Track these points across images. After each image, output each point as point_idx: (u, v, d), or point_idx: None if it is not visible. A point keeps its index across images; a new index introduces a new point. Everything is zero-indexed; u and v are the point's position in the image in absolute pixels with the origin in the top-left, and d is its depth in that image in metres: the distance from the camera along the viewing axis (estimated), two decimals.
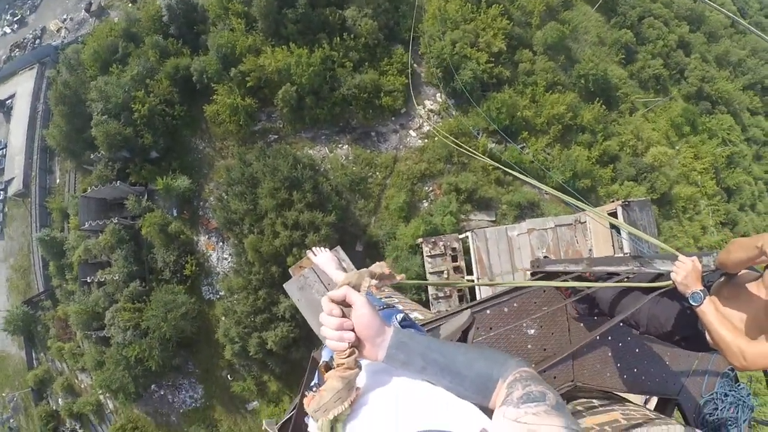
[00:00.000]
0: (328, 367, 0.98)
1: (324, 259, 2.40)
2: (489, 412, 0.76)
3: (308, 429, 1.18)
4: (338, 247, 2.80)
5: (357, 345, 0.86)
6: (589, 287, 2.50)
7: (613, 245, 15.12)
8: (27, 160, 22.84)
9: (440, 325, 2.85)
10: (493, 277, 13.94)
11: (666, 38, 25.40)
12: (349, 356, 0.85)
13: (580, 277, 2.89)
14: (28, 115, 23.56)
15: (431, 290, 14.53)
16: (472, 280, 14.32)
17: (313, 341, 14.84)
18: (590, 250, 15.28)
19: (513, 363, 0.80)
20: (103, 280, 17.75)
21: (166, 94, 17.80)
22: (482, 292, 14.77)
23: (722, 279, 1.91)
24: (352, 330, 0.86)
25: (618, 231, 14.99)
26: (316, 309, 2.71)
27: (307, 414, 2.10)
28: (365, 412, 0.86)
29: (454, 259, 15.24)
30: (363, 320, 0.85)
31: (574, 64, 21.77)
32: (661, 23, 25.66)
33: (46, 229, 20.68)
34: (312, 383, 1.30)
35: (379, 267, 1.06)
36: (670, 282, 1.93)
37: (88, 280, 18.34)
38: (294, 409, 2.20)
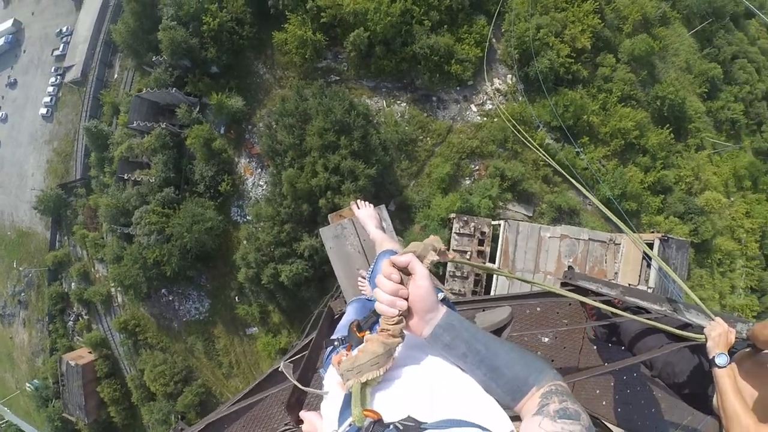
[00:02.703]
0: (359, 327, 0.99)
1: (367, 213, 2.37)
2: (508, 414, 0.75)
3: (324, 380, 1.17)
4: (382, 206, 2.62)
5: (406, 315, 0.85)
6: (621, 316, 2.31)
7: (639, 275, 14.52)
8: (89, 50, 23.30)
9: (475, 311, 2.66)
10: (513, 272, 13.63)
11: (754, 85, 23.74)
12: (396, 323, 0.83)
13: (608, 302, 2.74)
14: (99, 7, 23.86)
15: (450, 267, 14.30)
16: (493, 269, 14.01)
17: (326, 286, 14.91)
18: (616, 273, 14.69)
19: (551, 374, 0.79)
20: (139, 180, 18.18)
21: (239, 12, 17.58)
22: (498, 284, 14.51)
23: (747, 350, 1.90)
24: (406, 299, 0.84)
25: (648, 263, 14.33)
26: (346, 260, 2.60)
27: (316, 364, 1.96)
28: (398, 386, 0.84)
29: (481, 242, 14.89)
30: (420, 292, 0.83)
31: (655, 83, 20.46)
32: (753, 68, 23.97)
33: (95, 120, 21.23)
34: (334, 337, 1.28)
35: (438, 242, 0.99)
36: (703, 337, 1.91)
37: (125, 177, 18.83)
38: (305, 350, 2.11)
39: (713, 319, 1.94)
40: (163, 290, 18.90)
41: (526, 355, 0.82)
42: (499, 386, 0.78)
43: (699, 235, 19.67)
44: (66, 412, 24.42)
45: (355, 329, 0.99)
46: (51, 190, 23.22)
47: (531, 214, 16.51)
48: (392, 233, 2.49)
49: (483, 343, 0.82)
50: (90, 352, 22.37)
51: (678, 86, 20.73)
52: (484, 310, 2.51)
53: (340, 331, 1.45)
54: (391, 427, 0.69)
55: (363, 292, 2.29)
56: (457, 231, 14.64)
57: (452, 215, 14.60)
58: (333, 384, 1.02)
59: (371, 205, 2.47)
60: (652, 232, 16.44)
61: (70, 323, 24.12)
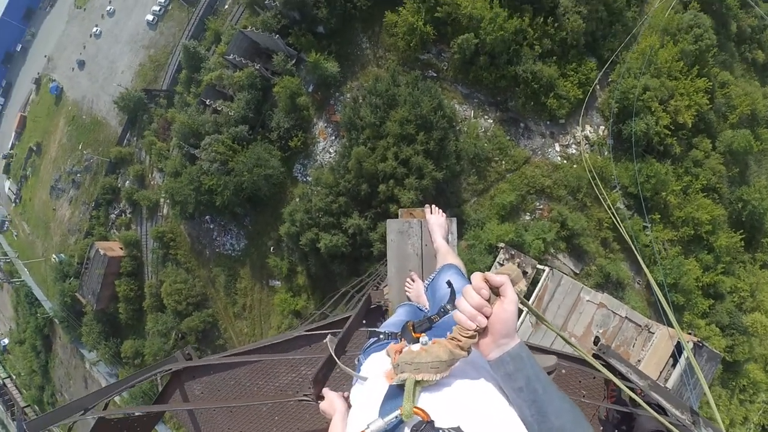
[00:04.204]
0: (413, 327, 1.01)
1: (438, 222, 2.39)
2: None
3: (361, 367, 1.17)
4: (454, 219, 2.53)
5: (480, 332, 0.83)
6: (645, 409, 2.22)
7: (661, 371, 13.97)
8: None
9: None
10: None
11: None
12: (469, 337, 0.83)
13: (632, 390, 2.65)
14: None
15: None
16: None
17: (357, 269, 15.23)
18: (639, 360, 14.20)
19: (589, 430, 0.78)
20: (219, 109, 19.02)
21: None
22: (521, 329, 14.33)
23: None
24: (488, 317, 0.83)
25: (674, 363, 13.73)
26: (403, 258, 2.54)
27: (346, 345, 1.95)
28: (448, 395, 0.83)
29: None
30: (505, 316, 0.82)
31: (743, 184, 19.32)
32: None
33: (195, 41, 22.28)
34: (381, 330, 1.28)
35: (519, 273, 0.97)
36: None
37: (207, 103, 19.75)
38: (345, 330, 2.12)
39: None
40: (207, 217, 19.83)
41: (576, 410, 0.82)
42: (542, 430, 0.78)
43: (733, 354, 18.72)
44: (79, 292, 26.22)
45: (411, 328, 1.01)
46: (135, 92, 24.65)
47: (578, 272, 16.15)
48: (455, 247, 2.50)
49: (542, 384, 0.81)
50: (121, 248, 23.88)
51: (765, 195, 19.52)
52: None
53: (389, 327, 1.43)
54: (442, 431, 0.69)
55: (408, 293, 2.30)
56: (501, 261, 14.56)
57: (501, 244, 14.51)
58: (374, 373, 1.02)
59: (444, 215, 2.48)
60: (690, 333, 15.72)
61: (113, 216, 25.79)
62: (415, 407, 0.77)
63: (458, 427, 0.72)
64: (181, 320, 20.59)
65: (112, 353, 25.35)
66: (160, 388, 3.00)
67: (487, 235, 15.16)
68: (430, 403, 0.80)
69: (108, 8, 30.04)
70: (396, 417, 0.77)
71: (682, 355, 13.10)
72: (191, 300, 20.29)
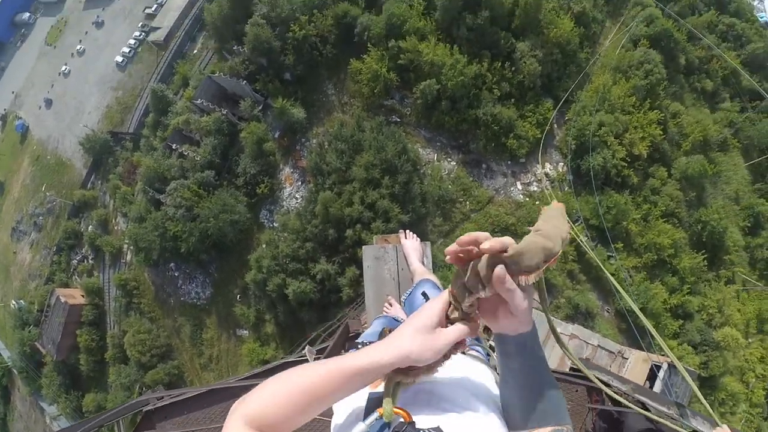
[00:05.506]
0: (390, 331, 0.94)
1: (413, 246, 2.51)
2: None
3: None
4: (428, 243, 2.67)
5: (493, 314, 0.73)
6: (631, 408, 2.29)
7: None
8: (179, 20, 24.74)
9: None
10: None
11: None
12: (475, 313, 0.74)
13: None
14: None
15: None
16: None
17: (327, 316, 14.87)
18: None
19: (569, 420, 0.79)
20: (186, 153, 18.83)
21: (325, 31, 18.44)
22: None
23: None
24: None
25: (651, 385, 13.85)
26: (380, 283, 2.59)
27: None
28: (428, 396, 0.83)
29: None
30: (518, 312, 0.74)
31: (700, 206, 20.25)
32: None
33: (163, 84, 22.30)
34: (359, 341, 1.29)
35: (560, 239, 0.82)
36: None
37: (173, 147, 19.55)
38: (327, 354, 2.23)
39: (719, 426, 1.90)
40: (171, 264, 19.20)
41: (562, 398, 0.81)
42: (524, 407, 0.76)
43: (708, 369, 18.95)
44: (39, 342, 24.64)
45: (387, 333, 0.96)
46: (101, 134, 24.23)
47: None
48: (431, 269, 2.54)
49: (540, 376, 0.77)
50: (82, 296, 22.72)
51: (722, 215, 20.47)
52: None
53: (367, 337, 1.45)
54: None
55: (387, 315, 2.30)
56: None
57: None
58: None
59: (418, 239, 2.57)
60: (662, 355, 15.93)
61: (74, 262, 24.65)
62: (396, 407, 0.73)
63: (438, 427, 0.70)
64: (145, 372, 19.45)
65: (74, 407, 23.62)
66: None
67: (452, 276, 15.18)
68: (410, 404, 0.77)
69: (78, 47, 29.94)
70: (376, 419, 0.73)
71: (659, 374, 13.21)
72: (155, 351, 19.27)
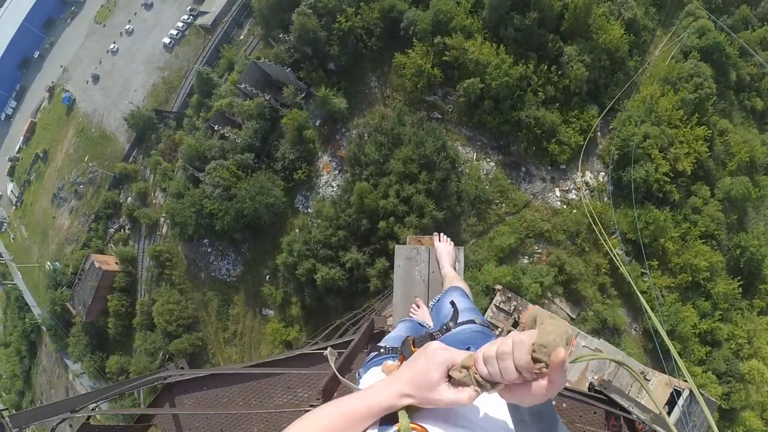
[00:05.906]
0: (414, 343, 0.99)
1: (446, 249, 2.46)
2: None
3: (361, 380, 1.16)
4: (461, 247, 2.59)
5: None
6: None
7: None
8: (226, 6, 25.42)
9: None
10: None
11: None
12: (490, 385, 0.70)
13: (632, 423, 2.60)
14: None
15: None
16: None
17: (353, 304, 15.08)
18: None
19: None
20: (227, 135, 19.38)
21: (372, 23, 18.57)
22: None
23: None
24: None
25: (669, 411, 13.41)
26: (409, 283, 2.59)
27: (352, 362, 2.04)
28: (443, 419, 0.80)
29: (515, 324, 14.67)
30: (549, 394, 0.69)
31: (741, 230, 19.40)
32: None
33: (209, 67, 22.98)
34: (382, 344, 1.28)
35: (568, 329, 0.78)
36: None
37: (215, 128, 20.15)
38: (350, 349, 2.22)
39: None
40: (205, 240, 19.82)
41: None
42: None
43: (729, 402, 18.24)
44: (70, 303, 25.88)
45: (411, 343, 0.98)
46: (146, 111, 25.17)
47: (574, 317, 15.99)
48: (462, 275, 2.52)
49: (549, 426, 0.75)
50: (116, 263, 23.74)
51: (763, 242, 19.55)
52: None
53: (390, 341, 1.42)
54: None
55: (413, 318, 2.26)
56: (497, 304, 14.49)
57: (498, 286, 14.47)
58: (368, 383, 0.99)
59: (452, 243, 2.53)
60: (685, 381, 15.40)
61: (111, 230, 25.78)
62: (413, 423, 0.73)
63: None
64: (170, 341, 20.20)
65: (97, 367, 24.76)
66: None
67: (485, 277, 15.10)
68: (424, 420, 0.77)
69: (127, 27, 31.17)
70: None
71: (679, 401, 12.84)
72: (182, 321, 19.98)
